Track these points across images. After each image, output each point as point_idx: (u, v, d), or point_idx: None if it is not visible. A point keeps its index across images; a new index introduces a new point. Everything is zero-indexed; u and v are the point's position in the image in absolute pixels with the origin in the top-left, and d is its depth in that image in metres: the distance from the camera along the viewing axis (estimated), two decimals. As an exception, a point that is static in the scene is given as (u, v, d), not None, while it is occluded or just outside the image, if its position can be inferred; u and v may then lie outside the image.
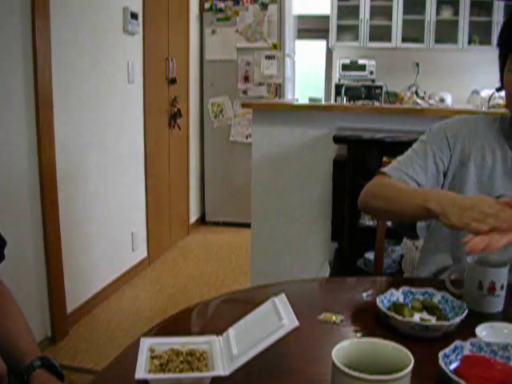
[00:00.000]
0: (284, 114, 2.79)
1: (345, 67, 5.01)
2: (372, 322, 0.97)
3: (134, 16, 3.18)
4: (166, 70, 3.81)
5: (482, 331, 0.89)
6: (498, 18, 4.51)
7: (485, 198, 0.98)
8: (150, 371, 0.76)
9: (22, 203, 2.31)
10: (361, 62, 4.97)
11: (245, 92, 4.52)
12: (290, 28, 4.63)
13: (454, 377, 0.72)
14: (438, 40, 4.71)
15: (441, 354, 0.77)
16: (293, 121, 2.76)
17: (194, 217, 4.66)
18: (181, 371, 0.76)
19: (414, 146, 1.32)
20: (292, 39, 4.83)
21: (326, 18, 4.91)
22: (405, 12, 4.70)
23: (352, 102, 4.33)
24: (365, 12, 4.76)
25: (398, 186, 1.18)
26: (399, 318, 0.90)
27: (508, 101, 1.20)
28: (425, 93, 4.86)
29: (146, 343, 0.81)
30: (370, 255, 2.30)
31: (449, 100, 4.74)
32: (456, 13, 4.63)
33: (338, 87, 4.89)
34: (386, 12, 4.76)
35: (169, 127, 3.94)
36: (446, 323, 0.90)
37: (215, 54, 4.54)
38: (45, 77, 2.35)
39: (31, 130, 2.31)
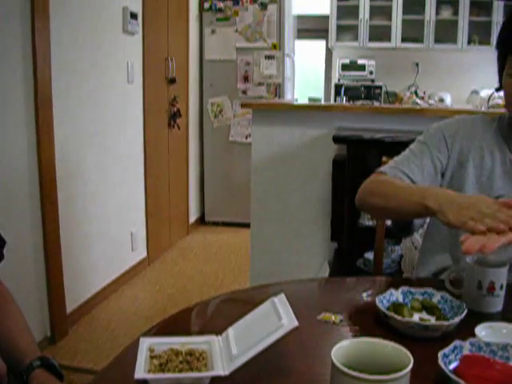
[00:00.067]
0: (284, 114, 2.79)
1: (344, 67, 5.01)
2: (371, 321, 0.97)
3: (133, 16, 3.18)
4: (165, 70, 3.81)
5: (482, 331, 0.89)
6: (497, 18, 4.51)
7: (483, 198, 0.98)
8: (149, 371, 0.76)
9: (21, 203, 2.31)
10: (360, 62, 4.97)
11: (244, 92, 4.52)
12: (289, 28, 4.63)
13: (453, 377, 0.72)
14: (437, 40, 4.72)
15: (440, 354, 0.77)
16: (292, 121, 2.76)
17: (193, 217, 4.66)
18: (180, 371, 0.76)
19: (412, 146, 1.32)
20: (291, 39, 4.83)
21: (325, 17, 4.91)
22: (404, 12, 4.71)
23: (352, 102, 4.34)
24: (364, 12, 4.76)
25: (395, 183, 1.18)
26: (399, 317, 0.90)
27: (507, 102, 1.20)
28: (424, 93, 4.86)
29: (146, 343, 0.81)
30: (370, 255, 2.30)
31: (448, 100, 4.74)
32: (456, 13, 4.64)
33: (338, 87, 4.89)
34: (386, 12, 4.77)
35: (168, 127, 3.94)
36: (446, 323, 0.90)
37: (215, 53, 4.54)
38: (44, 77, 2.35)
39: (31, 130, 2.31)
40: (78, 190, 2.74)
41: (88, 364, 2.35)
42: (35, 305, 2.42)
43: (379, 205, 1.19)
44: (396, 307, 0.95)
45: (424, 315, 0.97)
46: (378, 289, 1.11)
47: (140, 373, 0.74)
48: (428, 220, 1.39)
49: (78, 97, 2.69)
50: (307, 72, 5.56)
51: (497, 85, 1.24)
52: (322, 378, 0.76)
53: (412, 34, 4.76)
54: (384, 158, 1.52)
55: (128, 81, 3.22)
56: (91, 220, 2.88)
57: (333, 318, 0.98)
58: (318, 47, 5.43)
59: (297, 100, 4.88)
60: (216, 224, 4.77)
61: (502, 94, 1.21)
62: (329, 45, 5.01)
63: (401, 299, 1.01)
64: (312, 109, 2.87)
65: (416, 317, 0.96)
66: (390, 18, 4.75)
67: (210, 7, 4.48)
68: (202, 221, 4.85)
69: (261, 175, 2.85)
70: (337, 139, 2.44)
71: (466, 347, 0.80)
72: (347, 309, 1.04)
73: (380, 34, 4.81)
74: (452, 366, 0.77)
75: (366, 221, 2.50)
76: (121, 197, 3.22)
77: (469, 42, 4.67)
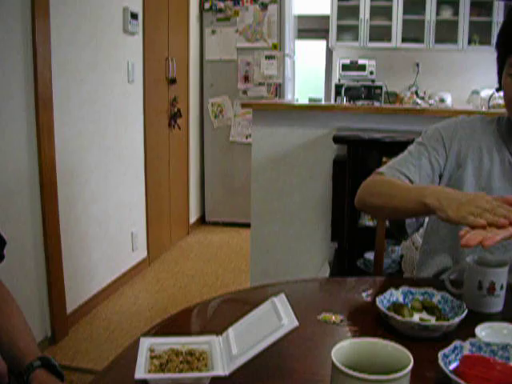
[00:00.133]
0: (284, 114, 2.79)
1: (345, 67, 5.01)
2: (371, 321, 0.97)
3: (133, 16, 3.18)
4: (165, 70, 3.81)
5: (482, 331, 0.89)
6: (497, 18, 4.52)
7: (482, 194, 0.97)
8: (149, 371, 0.76)
9: (22, 203, 2.31)
10: (361, 62, 4.97)
11: (245, 92, 4.52)
12: (289, 28, 4.63)
13: (453, 377, 0.72)
14: (437, 40, 4.72)
15: (440, 354, 0.77)
16: (293, 121, 2.76)
17: (193, 217, 4.67)
18: (180, 371, 0.76)
19: (410, 147, 1.32)
20: (292, 39, 4.83)
21: (325, 18, 4.91)
22: (405, 12, 4.71)
23: (352, 102, 4.34)
24: (365, 12, 4.77)
25: (394, 183, 1.18)
26: (399, 318, 0.90)
27: (506, 102, 1.20)
28: (425, 93, 4.86)
29: (146, 343, 0.81)
30: (370, 255, 2.30)
31: (449, 100, 4.74)
32: (456, 13, 4.64)
33: (338, 87, 4.89)
34: (386, 12, 4.77)
35: (169, 127, 3.94)
36: (446, 323, 0.90)
37: (215, 54, 4.54)
38: (45, 77, 2.35)
39: (31, 130, 2.32)
40: (78, 190, 2.75)
41: (88, 364, 2.35)
42: (35, 305, 2.42)
43: (378, 204, 1.19)
44: (396, 307, 0.95)
45: (424, 315, 0.97)
46: (378, 289, 1.11)
47: (140, 373, 0.74)
48: (427, 220, 1.38)
49: (79, 97, 2.69)
50: (307, 72, 5.56)
51: (497, 85, 1.24)
52: (322, 378, 0.76)
53: (412, 34, 4.77)
54: (384, 158, 1.52)
55: (128, 81, 3.23)
56: (91, 220, 2.89)
57: (333, 318, 0.98)
58: (318, 47, 5.43)
59: (297, 100, 4.88)
60: (216, 224, 4.77)
61: (502, 94, 1.21)
62: (329, 45, 5.02)
63: (401, 299, 1.01)
64: (312, 109, 2.86)
65: (416, 317, 0.96)
66: (390, 18, 4.76)
67: (211, 7, 4.48)
68: (202, 221, 4.85)
69: (261, 175, 2.85)
70: (337, 139, 2.44)
71: (466, 347, 0.80)
72: (347, 309, 1.04)
73: (380, 34, 4.81)
74: (452, 366, 0.77)
75: (366, 221, 2.50)
76: (121, 197, 3.22)
77: (469, 42, 4.67)
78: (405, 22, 4.73)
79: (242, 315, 0.86)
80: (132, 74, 3.25)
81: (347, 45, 4.95)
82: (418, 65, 5.02)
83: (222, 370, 0.76)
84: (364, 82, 4.89)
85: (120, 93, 3.13)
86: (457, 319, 0.91)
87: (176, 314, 1.05)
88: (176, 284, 3.37)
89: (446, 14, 4.70)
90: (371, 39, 4.82)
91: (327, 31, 4.92)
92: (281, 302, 0.83)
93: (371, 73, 4.94)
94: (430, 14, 4.66)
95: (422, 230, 1.47)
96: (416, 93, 4.81)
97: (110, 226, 3.10)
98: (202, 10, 4.52)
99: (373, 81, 4.93)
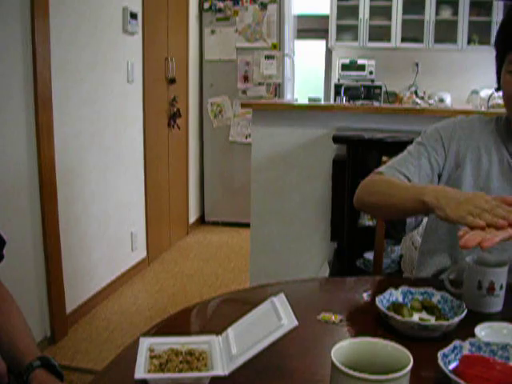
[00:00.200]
0: (283, 113, 2.79)
1: (344, 67, 5.01)
2: (371, 321, 0.97)
3: (133, 16, 3.18)
4: (165, 70, 3.81)
5: (481, 331, 0.89)
6: (497, 17, 4.52)
7: (482, 194, 0.97)
8: (149, 371, 0.76)
9: (21, 203, 2.31)
10: (360, 61, 4.98)
11: (244, 92, 4.52)
12: (289, 28, 4.63)
13: (453, 377, 0.72)
14: (437, 40, 4.72)
15: (440, 354, 0.77)
16: (292, 121, 2.76)
17: (193, 217, 4.66)
18: (180, 371, 0.76)
19: (409, 147, 1.32)
20: (291, 39, 4.83)
21: (325, 17, 4.91)
22: (404, 12, 4.71)
23: (351, 102, 4.34)
24: (364, 12, 4.77)
25: (392, 182, 1.18)
26: (398, 317, 0.90)
27: (506, 102, 1.20)
28: (424, 93, 4.86)
29: (146, 343, 0.81)
30: (370, 255, 2.30)
31: (448, 100, 4.74)
32: (455, 13, 4.64)
33: (338, 87, 4.89)
34: (386, 12, 4.77)
35: (168, 127, 3.94)
36: (445, 323, 0.90)
37: (215, 53, 4.54)
38: (44, 77, 2.35)
39: (31, 130, 2.31)
40: (77, 189, 2.74)
41: (88, 364, 2.35)
42: (35, 305, 2.42)
43: (377, 203, 1.19)
44: (396, 307, 0.95)
45: (424, 315, 0.97)
46: (377, 289, 1.11)
47: (140, 373, 0.74)
48: (425, 220, 1.38)
49: (78, 97, 2.69)
50: (307, 72, 5.56)
51: (496, 85, 1.24)
52: (321, 377, 0.76)
53: (412, 33, 4.77)
54: (384, 158, 1.52)
55: (128, 81, 3.22)
56: (91, 220, 2.89)
57: (333, 318, 0.98)
58: (317, 47, 5.43)
59: (297, 100, 4.87)
60: (216, 224, 4.77)
61: (501, 93, 1.21)
62: (329, 45, 5.01)
63: (401, 299, 1.01)
64: (312, 109, 2.86)
65: (416, 317, 0.96)
66: (389, 17, 4.76)
67: (210, 7, 4.48)
68: (201, 221, 4.85)
69: (261, 175, 2.85)
70: (337, 139, 2.44)
71: (466, 347, 0.80)
72: (347, 309, 1.04)
73: (380, 33, 4.81)
74: (452, 366, 0.77)
75: (366, 221, 2.50)
76: (121, 197, 3.22)
77: (469, 42, 4.67)
78: (404, 21, 4.73)
79: (242, 315, 0.86)
80: (131, 74, 3.25)
81: (347, 45, 4.95)
82: (417, 65, 5.02)
83: (221, 369, 0.76)
84: (363, 81, 4.89)
85: (119, 93, 3.13)
86: (456, 319, 0.91)
87: (175, 314, 1.05)
88: (175, 284, 3.37)
89: (446, 13, 4.70)
90: (371, 39, 4.82)
91: (327, 31, 4.92)
92: (280, 302, 0.83)
93: (371, 73, 4.95)
94: (430, 13, 4.66)
95: (421, 230, 1.47)
96: (415, 93, 4.81)
97: (109, 225, 3.10)
98: (201, 9, 4.52)
99: (372, 81, 4.93)
